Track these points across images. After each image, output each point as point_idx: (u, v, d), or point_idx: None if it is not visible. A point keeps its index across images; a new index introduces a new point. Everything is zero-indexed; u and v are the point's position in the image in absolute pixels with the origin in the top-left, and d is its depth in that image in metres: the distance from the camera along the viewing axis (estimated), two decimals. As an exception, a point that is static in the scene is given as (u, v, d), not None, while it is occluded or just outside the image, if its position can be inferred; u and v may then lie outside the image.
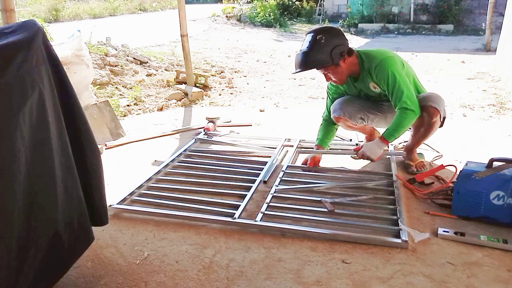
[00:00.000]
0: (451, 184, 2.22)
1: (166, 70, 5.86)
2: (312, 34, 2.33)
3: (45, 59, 1.36)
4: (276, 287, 1.60)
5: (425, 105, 2.35)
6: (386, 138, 2.32)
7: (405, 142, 2.96)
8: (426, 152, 2.78)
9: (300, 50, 2.37)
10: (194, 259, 1.77)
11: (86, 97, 3.23)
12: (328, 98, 2.70)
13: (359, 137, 3.08)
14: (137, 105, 4.31)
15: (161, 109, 4.17)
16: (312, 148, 2.69)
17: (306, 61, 2.34)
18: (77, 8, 13.65)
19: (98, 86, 4.59)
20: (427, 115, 2.36)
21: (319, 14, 14.16)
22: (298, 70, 2.41)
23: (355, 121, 2.57)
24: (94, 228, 1.65)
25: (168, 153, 2.94)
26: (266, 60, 7.21)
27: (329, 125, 2.66)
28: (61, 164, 1.42)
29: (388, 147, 2.68)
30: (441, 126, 2.47)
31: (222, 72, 6.00)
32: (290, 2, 14.35)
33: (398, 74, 2.28)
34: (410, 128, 2.54)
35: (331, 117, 2.60)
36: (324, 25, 2.58)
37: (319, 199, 2.20)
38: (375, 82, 2.38)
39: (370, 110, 2.56)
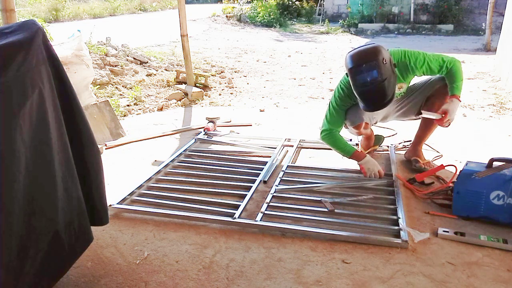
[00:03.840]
0: (451, 184, 2.22)
1: (166, 70, 5.86)
2: (369, 59, 2.08)
3: (45, 59, 1.35)
4: (276, 287, 1.60)
5: (441, 85, 2.42)
6: (457, 94, 2.32)
7: (405, 142, 2.97)
8: (426, 152, 2.77)
9: (365, 82, 2.08)
10: (194, 259, 1.77)
11: (86, 97, 3.23)
12: (335, 113, 2.45)
13: (358, 137, 3.07)
14: (137, 105, 4.31)
15: (161, 109, 4.17)
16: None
17: (386, 94, 2.11)
18: (77, 8, 13.67)
19: (98, 86, 4.59)
20: (441, 96, 2.40)
21: (319, 14, 14.15)
22: (381, 106, 2.18)
23: (372, 122, 2.57)
24: (94, 228, 1.65)
25: (168, 153, 2.94)
26: (266, 60, 7.21)
27: (338, 133, 2.54)
28: (61, 164, 1.42)
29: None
30: None
31: (222, 72, 6.00)
32: (290, 2, 14.35)
33: (422, 55, 2.31)
34: (418, 118, 2.60)
35: (352, 127, 2.48)
36: (363, 47, 2.23)
37: (319, 199, 2.20)
38: (404, 79, 2.35)
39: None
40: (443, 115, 2.30)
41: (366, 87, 2.11)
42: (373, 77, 2.07)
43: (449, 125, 2.34)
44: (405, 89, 2.41)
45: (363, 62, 2.10)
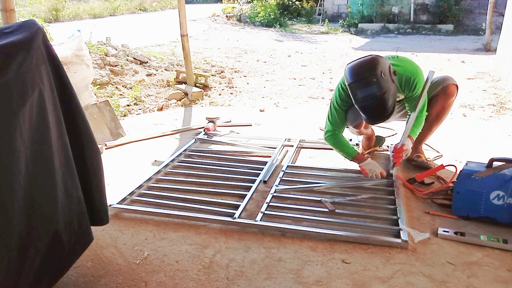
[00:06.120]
0: (451, 184, 2.22)
1: (166, 70, 5.86)
2: (368, 74, 2.09)
3: (45, 59, 1.35)
4: (276, 287, 1.60)
5: (444, 86, 2.46)
6: (413, 137, 2.41)
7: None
8: (426, 152, 2.78)
9: (365, 97, 2.11)
10: (194, 259, 1.77)
11: (86, 97, 3.23)
12: (336, 114, 2.47)
13: (358, 138, 3.08)
14: (137, 105, 4.31)
15: (161, 109, 4.17)
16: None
17: (386, 107, 2.14)
18: (77, 8, 13.67)
19: (98, 86, 4.59)
20: (444, 96, 2.45)
21: (319, 14, 14.15)
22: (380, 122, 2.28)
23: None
24: (94, 228, 1.65)
25: (168, 153, 2.94)
26: (266, 60, 7.21)
27: (341, 135, 2.57)
28: (61, 164, 1.42)
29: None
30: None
31: (222, 72, 6.00)
32: (290, 2, 14.35)
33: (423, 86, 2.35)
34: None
35: (352, 126, 2.53)
36: (361, 60, 2.18)
37: (319, 199, 2.20)
38: (402, 92, 2.36)
39: None
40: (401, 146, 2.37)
41: (366, 102, 2.14)
42: (373, 92, 2.09)
43: (405, 156, 2.42)
44: (401, 98, 2.43)
45: (361, 78, 2.12)
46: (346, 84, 2.21)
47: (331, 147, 2.60)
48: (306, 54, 7.94)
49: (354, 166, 2.57)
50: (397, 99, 2.44)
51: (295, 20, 14.04)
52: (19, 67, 1.23)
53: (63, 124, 1.43)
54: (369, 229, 1.95)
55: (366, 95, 2.11)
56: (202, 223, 2.04)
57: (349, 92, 2.20)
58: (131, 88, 4.82)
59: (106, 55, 5.64)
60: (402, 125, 3.09)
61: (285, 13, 13.85)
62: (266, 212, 2.10)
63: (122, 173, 2.65)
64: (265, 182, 2.46)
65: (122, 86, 4.88)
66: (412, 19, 11.76)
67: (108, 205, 1.74)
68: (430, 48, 8.41)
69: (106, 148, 3.05)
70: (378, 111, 2.18)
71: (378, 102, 2.12)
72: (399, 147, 2.38)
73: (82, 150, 1.54)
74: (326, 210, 2.10)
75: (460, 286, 1.58)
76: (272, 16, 12.72)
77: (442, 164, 2.38)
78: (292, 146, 3.00)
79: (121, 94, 4.59)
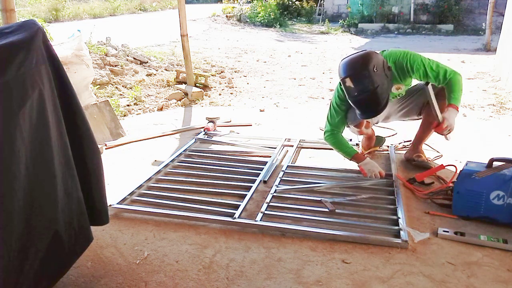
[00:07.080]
0: (451, 184, 2.22)
1: (166, 70, 5.86)
2: (360, 69, 2.11)
3: (45, 59, 1.36)
4: (276, 287, 1.60)
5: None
6: (455, 104, 2.28)
7: (405, 142, 2.97)
8: (426, 152, 2.78)
9: (357, 92, 2.13)
10: (194, 259, 1.77)
11: (86, 97, 3.23)
12: (336, 114, 2.48)
13: (358, 138, 3.08)
14: (137, 105, 4.31)
15: (161, 109, 4.17)
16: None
17: (379, 101, 2.15)
18: (77, 8, 13.66)
19: (98, 86, 4.59)
20: (445, 97, 2.40)
21: (319, 14, 14.15)
22: (372, 115, 2.27)
23: (374, 122, 2.61)
24: (94, 228, 1.65)
25: (168, 153, 2.94)
26: (266, 60, 7.21)
27: (340, 135, 2.57)
28: (61, 164, 1.42)
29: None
30: None
31: (222, 72, 6.00)
32: (290, 2, 14.36)
33: (421, 59, 2.29)
34: (420, 118, 2.61)
35: (353, 125, 2.50)
36: (354, 55, 2.23)
37: (319, 199, 2.20)
38: (401, 81, 2.34)
39: None
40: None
41: (358, 97, 2.16)
42: (364, 86, 2.12)
43: (449, 132, 2.31)
44: (403, 90, 2.41)
45: (353, 72, 2.14)
46: (339, 79, 2.21)
47: (331, 147, 2.61)
48: (306, 54, 7.94)
49: (354, 166, 2.57)
50: (399, 93, 2.42)
51: (295, 20, 14.04)
52: (19, 67, 1.23)
53: (63, 124, 1.43)
54: (369, 229, 1.96)
55: (358, 89, 2.13)
56: (202, 223, 2.04)
57: (343, 86, 2.21)
58: (131, 88, 4.82)
59: (106, 55, 5.64)
60: (402, 125, 3.11)
61: (285, 13, 13.85)
62: (266, 212, 2.10)
63: (122, 173, 2.65)
64: (265, 182, 2.46)
65: (122, 86, 4.88)
66: (412, 19, 11.76)
67: (108, 205, 1.74)
68: (430, 48, 8.41)
69: (106, 148, 3.05)
70: (371, 105, 2.18)
71: (370, 96, 2.13)
72: (440, 124, 2.27)
73: (82, 150, 1.54)
74: (326, 210, 2.10)
75: (460, 286, 1.58)
76: (272, 16, 12.72)
77: (442, 164, 2.38)
78: (292, 146, 3.00)
79: (121, 94, 4.59)
